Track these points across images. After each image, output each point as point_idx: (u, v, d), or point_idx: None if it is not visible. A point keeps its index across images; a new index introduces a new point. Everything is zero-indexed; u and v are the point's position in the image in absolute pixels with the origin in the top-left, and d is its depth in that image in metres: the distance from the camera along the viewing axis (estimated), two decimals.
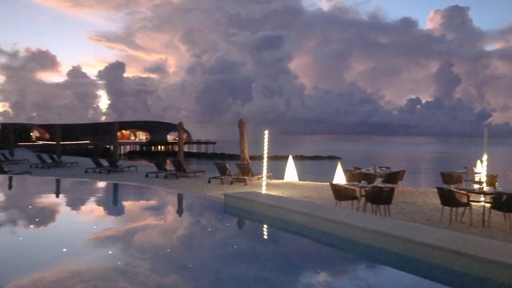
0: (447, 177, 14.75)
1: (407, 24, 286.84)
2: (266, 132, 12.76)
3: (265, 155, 12.94)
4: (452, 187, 11.70)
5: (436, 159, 79.63)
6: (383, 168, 15.76)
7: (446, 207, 9.84)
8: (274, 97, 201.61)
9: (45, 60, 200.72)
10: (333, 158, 67.39)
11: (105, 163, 25.41)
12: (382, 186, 10.44)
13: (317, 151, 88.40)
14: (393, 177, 14.00)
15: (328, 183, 13.80)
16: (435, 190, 10.84)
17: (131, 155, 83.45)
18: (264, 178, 13.66)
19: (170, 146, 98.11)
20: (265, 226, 7.27)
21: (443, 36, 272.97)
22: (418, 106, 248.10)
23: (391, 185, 10.93)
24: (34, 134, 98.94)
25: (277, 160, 33.07)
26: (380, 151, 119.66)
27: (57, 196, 11.47)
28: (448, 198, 9.68)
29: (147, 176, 20.63)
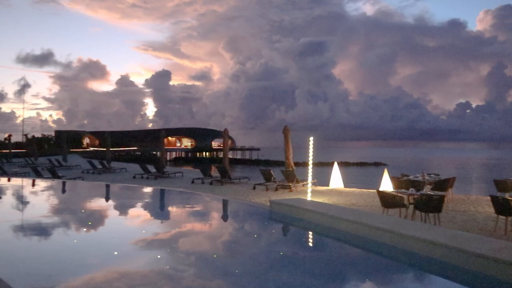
0: (502, 185, 14.12)
1: (455, 25, 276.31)
2: (311, 138, 12.69)
3: (310, 162, 12.87)
4: (507, 195, 11.19)
5: (488, 166, 76.33)
6: (432, 175, 15.28)
7: (501, 216, 9.41)
8: (318, 103, 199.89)
9: (96, 69, 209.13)
10: (379, 165, 65.96)
11: (152, 169, 26.05)
12: (432, 193, 10.13)
13: (362, 157, 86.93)
14: (442, 184, 13.55)
15: (374, 190, 13.54)
16: (488, 198, 10.40)
17: (176, 161, 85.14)
18: (310, 184, 13.57)
19: (214, 153, 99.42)
20: (311, 233, 7.22)
21: (494, 37, 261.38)
22: (468, 111, 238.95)
23: (441, 193, 10.58)
24: (85, 140, 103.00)
25: (322, 166, 32.79)
26: (428, 158, 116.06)
27: (108, 201, 11.86)
28: (503, 207, 9.25)
29: (193, 182, 20.96)
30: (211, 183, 20.12)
